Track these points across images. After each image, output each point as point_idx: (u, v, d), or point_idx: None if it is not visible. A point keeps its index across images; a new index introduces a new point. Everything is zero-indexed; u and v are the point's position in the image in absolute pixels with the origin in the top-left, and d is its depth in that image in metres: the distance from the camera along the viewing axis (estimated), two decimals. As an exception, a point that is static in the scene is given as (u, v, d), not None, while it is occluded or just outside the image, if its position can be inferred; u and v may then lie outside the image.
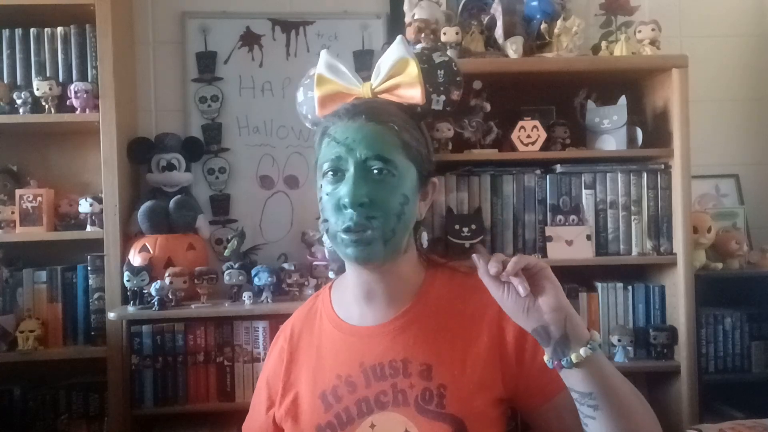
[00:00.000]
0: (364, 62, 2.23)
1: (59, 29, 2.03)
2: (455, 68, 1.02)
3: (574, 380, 0.84)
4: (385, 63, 0.99)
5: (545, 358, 0.86)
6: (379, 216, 0.90)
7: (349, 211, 0.90)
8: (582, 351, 0.82)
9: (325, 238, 0.98)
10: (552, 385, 0.92)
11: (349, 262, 0.97)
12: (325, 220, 0.94)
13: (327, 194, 0.93)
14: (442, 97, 1.00)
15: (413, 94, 0.97)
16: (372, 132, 0.92)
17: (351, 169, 0.91)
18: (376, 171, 0.91)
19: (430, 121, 1.03)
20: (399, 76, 0.97)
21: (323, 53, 1.03)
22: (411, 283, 1.00)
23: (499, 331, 0.95)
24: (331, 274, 1.96)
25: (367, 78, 1.02)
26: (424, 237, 1.03)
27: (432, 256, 1.06)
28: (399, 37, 1.00)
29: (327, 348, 1.01)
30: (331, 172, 0.93)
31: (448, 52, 1.96)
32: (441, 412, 0.90)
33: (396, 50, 0.98)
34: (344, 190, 0.91)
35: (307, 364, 1.02)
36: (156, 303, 1.86)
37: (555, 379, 0.89)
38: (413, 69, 0.96)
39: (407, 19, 2.04)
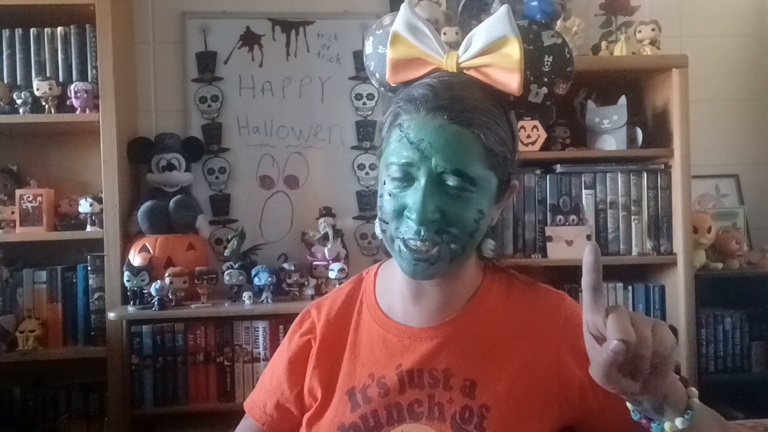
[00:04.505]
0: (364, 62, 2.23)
1: (59, 29, 2.03)
2: (568, 55, 0.83)
3: None
4: (480, 36, 0.81)
5: (630, 408, 0.73)
6: (452, 232, 0.78)
7: (413, 223, 0.78)
8: (678, 422, 0.70)
9: (377, 230, 0.85)
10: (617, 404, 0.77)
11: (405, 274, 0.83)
12: (384, 221, 0.82)
13: (390, 194, 0.80)
14: (544, 89, 0.82)
15: (508, 81, 0.79)
16: (453, 138, 0.76)
17: (422, 179, 0.77)
18: (451, 184, 0.77)
19: (522, 113, 0.84)
20: (494, 54, 0.80)
21: (404, 7, 0.84)
22: (466, 288, 0.88)
23: (560, 363, 0.83)
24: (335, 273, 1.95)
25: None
26: (490, 245, 0.90)
27: (492, 259, 0.93)
28: (505, 7, 0.81)
29: (363, 341, 0.90)
30: (397, 176, 0.79)
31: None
32: None
33: (498, 23, 0.80)
34: (412, 200, 0.78)
35: (339, 355, 0.90)
36: (156, 303, 1.86)
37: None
38: (515, 51, 0.78)
39: (407, 19, 2.04)
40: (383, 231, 0.83)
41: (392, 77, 0.86)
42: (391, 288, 0.91)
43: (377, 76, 0.91)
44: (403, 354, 0.86)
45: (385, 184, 0.82)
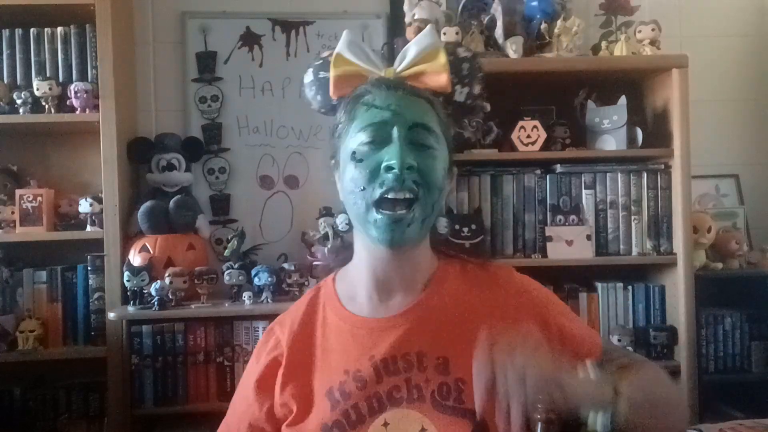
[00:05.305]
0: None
1: (59, 29, 2.03)
2: (478, 64, 1.01)
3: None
4: (412, 49, 0.96)
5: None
6: (427, 183, 0.87)
7: (393, 173, 0.85)
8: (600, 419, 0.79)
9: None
10: (583, 349, 0.92)
11: (378, 245, 0.89)
12: (360, 189, 0.87)
13: (361, 161, 0.88)
14: (466, 89, 0.99)
15: (439, 81, 0.95)
16: (414, 102, 0.91)
17: (396, 134, 0.87)
18: (421, 142, 0.88)
19: (450, 113, 1.00)
20: (426, 63, 0.95)
21: (346, 33, 0.99)
22: (425, 272, 0.96)
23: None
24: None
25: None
26: (443, 223, 0.99)
27: (441, 246, 1.02)
28: (429, 26, 1.01)
29: (333, 343, 0.93)
30: (369, 140, 0.88)
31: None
32: (460, 407, 0.84)
33: (426, 38, 0.96)
34: (389, 154, 0.86)
35: (310, 362, 0.93)
36: (156, 303, 1.86)
37: (585, 341, 0.94)
38: (442, 57, 0.95)
39: (407, 19, 2.04)
40: (354, 204, 0.89)
41: (335, 92, 0.96)
42: (355, 285, 0.97)
43: (318, 98, 1.01)
44: (375, 345, 0.90)
45: (353, 163, 0.88)
